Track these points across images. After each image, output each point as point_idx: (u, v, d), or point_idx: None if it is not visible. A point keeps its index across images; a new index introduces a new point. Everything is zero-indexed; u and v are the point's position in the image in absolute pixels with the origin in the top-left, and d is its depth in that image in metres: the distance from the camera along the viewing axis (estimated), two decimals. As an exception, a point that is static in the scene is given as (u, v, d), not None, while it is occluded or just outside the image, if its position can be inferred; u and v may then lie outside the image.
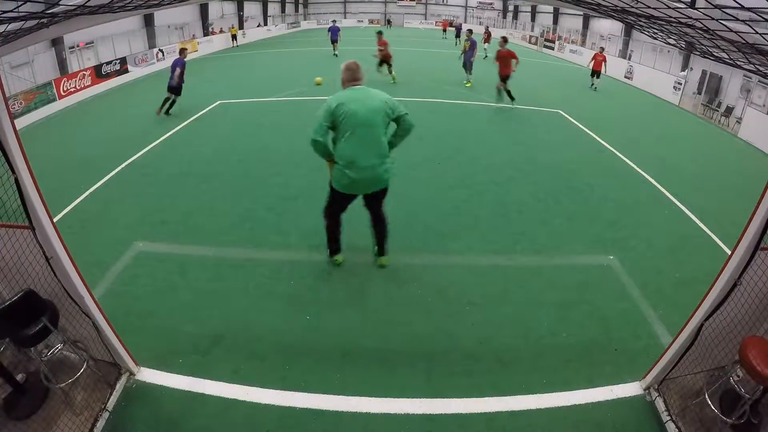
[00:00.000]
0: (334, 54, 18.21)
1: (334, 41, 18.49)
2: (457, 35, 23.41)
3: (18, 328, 2.21)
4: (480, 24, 37.53)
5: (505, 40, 10.69)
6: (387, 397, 2.76)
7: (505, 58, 10.10)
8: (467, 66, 12.57)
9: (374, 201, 3.73)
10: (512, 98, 10.32)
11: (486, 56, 18.45)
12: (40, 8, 1.28)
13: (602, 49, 14.12)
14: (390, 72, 12.28)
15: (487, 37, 19.75)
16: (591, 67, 13.59)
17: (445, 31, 32.22)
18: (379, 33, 12.67)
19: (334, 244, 4.03)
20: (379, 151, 3.37)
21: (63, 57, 12.54)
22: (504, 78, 10.25)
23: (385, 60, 12.15)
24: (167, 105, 9.07)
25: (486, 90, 11.96)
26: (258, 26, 28.85)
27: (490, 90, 11.19)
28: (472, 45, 12.34)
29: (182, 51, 9.46)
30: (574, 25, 26.06)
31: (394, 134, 3.49)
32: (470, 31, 13.04)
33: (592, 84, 13.65)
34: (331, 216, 3.80)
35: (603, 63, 13.35)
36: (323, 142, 3.34)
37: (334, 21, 22.46)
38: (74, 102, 11.14)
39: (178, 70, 8.87)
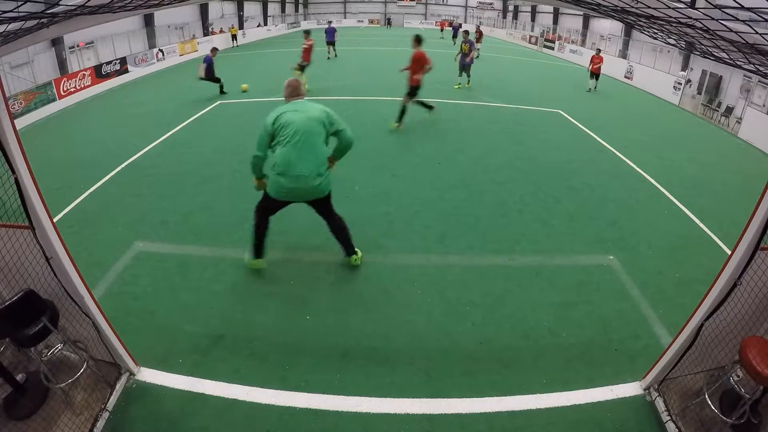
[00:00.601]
0: (330, 56, 17.47)
1: (330, 43, 17.53)
2: (455, 35, 23.37)
3: (18, 328, 2.21)
4: (480, 24, 37.59)
5: (417, 40, 7.71)
6: (387, 397, 2.76)
7: (419, 62, 7.71)
8: (464, 68, 12.02)
9: (318, 208, 3.76)
10: (430, 107, 8.50)
11: (478, 56, 18.40)
12: (40, 8, 1.28)
13: (599, 50, 13.91)
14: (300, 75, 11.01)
15: (479, 36, 19.48)
16: (590, 69, 13.42)
17: (442, 30, 32.27)
18: (306, 32, 11.40)
19: (258, 247, 3.90)
20: (315, 161, 3.41)
21: (63, 57, 12.55)
22: (414, 89, 7.91)
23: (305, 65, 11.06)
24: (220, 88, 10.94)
25: (486, 90, 11.97)
26: (258, 26, 28.86)
27: (490, 90, 11.15)
28: (471, 46, 11.85)
29: (213, 50, 11.03)
30: (574, 25, 26.07)
31: (336, 149, 3.59)
32: (467, 32, 12.55)
33: (591, 87, 13.38)
34: (260, 216, 3.76)
35: (600, 65, 13.17)
36: (262, 156, 3.47)
37: (329, 22, 21.22)
38: (74, 102, 11.15)
39: (203, 65, 10.48)
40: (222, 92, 10.90)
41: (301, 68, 10.94)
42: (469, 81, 12.22)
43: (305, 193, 3.51)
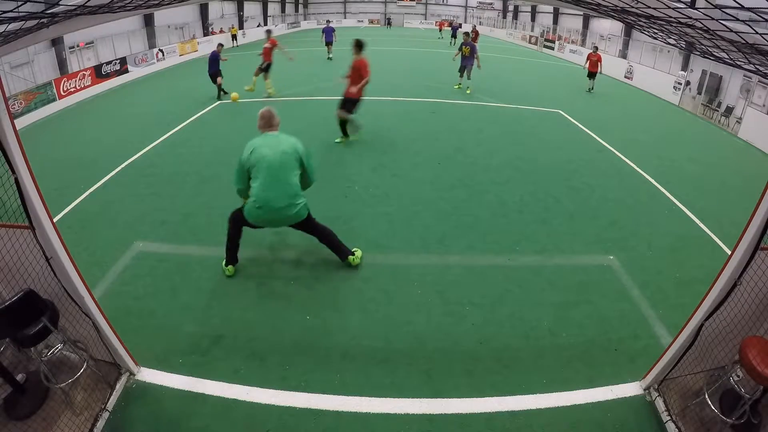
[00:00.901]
0: (328, 57, 17.20)
1: (328, 43, 17.36)
2: (453, 35, 23.28)
3: (18, 328, 2.21)
4: (480, 24, 37.59)
5: (358, 46, 6.64)
6: (387, 397, 2.76)
7: (357, 72, 6.59)
8: (463, 69, 11.55)
9: (300, 229, 3.83)
10: (346, 134, 7.30)
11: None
12: (40, 8, 1.28)
13: (596, 48, 13.37)
14: (255, 83, 10.56)
15: (475, 36, 19.27)
16: (587, 68, 13.06)
17: (440, 30, 32.26)
18: (268, 31, 11.14)
19: (232, 253, 3.90)
20: (289, 193, 3.52)
21: (63, 57, 12.54)
22: (349, 103, 6.76)
23: (265, 65, 10.42)
24: (219, 91, 10.66)
25: (486, 90, 11.96)
26: (258, 26, 28.82)
27: (490, 90, 11.13)
28: (472, 50, 11.29)
29: (219, 45, 10.88)
30: (574, 25, 26.06)
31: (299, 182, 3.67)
32: (467, 35, 12.10)
33: (589, 87, 13.09)
34: (235, 227, 3.81)
35: (599, 63, 12.77)
36: (244, 189, 3.63)
37: (328, 21, 20.83)
38: (74, 102, 11.15)
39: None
40: (219, 97, 10.58)
41: (264, 70, 10.46)
42: (469, 88, 11.65)
43: (282, 221, 3.66)
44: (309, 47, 21.81)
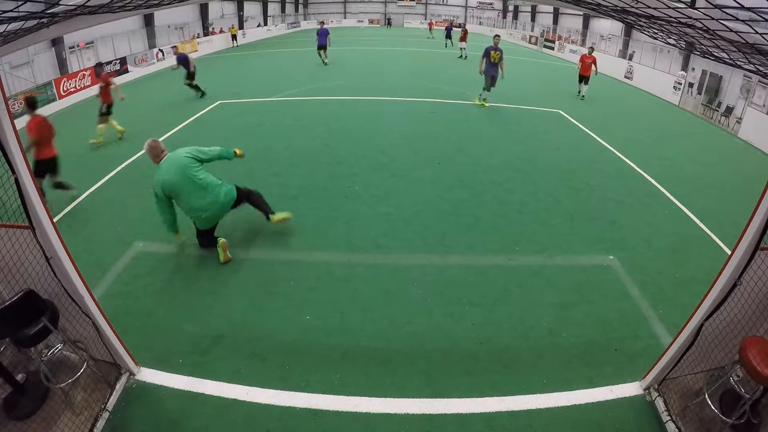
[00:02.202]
0: (324, 62, 15.35)
1: (321, 47, 15.08)
2: (448, 35, 23.07)
3: (18, 328, 2.21)
4: (480, 24, 37.60)
5: (29, 104, 5.26)
6: (387, 397, 2.76)
7: (33, 132, 4.98)
8: (494, 81, 9.85)
9: (239, 204, 4.35)
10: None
11: (463, 56, 18.27)
12: (40, 8, 1.28)
13: (591, 49, 11.69)
14: (102, 133, 7.53)
15: (464, 35, 18.89)
16: (578, 71, 11.70)
17: (431, 30, 31.97)
18: (99, 65, 9.09)
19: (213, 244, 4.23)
20: (211, 192, 4.02)
21: (63, 57, 12.54)
22: (45, 163, 5.04)
23: (105, 108, 7.69)
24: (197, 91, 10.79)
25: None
26: (258, 26, 28.82)
27: (491, 90, 11.06)
28: (501, 55, 9.62)
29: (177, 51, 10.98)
30: (574, 25, 26.06)
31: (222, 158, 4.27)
32: (498, 37, 9.88)
33: (579, 92, 11.86)
34: (206, 242, 4.21)
35: (593, 65, 11.32)
36: (172, 219, 4.10)
37: (322, 23, 18.32)
38: (74, 102, 11.14)
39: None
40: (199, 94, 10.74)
41: (105, 114, 7.66)
42: (485, 99, 10.05)
43: (220, 211, 4.14)
44: (313, 47, 21.82)
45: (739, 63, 1.66)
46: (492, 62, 9.67)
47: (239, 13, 26.63)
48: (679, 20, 1.43)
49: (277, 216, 4.47)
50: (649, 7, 1.46)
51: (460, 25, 29.75)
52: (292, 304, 3.62)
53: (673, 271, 4.18)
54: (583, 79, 11.69)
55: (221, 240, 4.12)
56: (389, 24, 40.13)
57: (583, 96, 11.81)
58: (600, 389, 2.85)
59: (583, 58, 11.57)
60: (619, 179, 6.41)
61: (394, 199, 5.43)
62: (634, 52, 18.08)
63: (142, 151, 7.13)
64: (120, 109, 8.20)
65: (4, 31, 1.40)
